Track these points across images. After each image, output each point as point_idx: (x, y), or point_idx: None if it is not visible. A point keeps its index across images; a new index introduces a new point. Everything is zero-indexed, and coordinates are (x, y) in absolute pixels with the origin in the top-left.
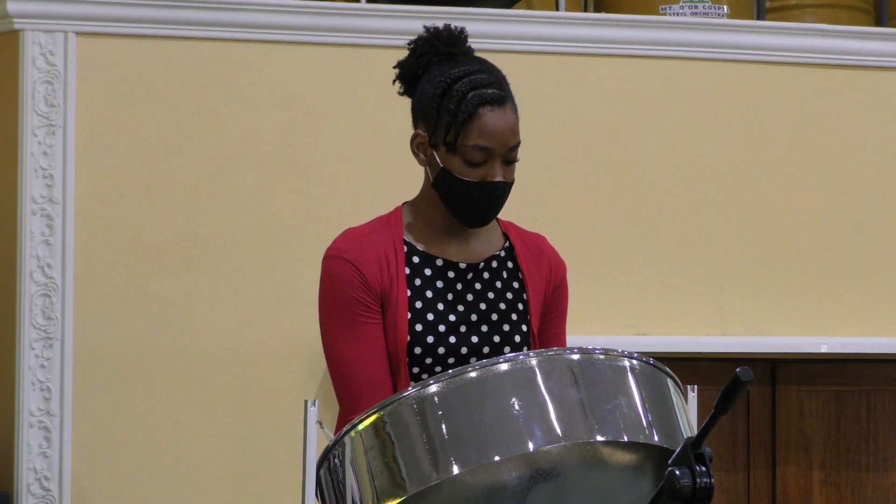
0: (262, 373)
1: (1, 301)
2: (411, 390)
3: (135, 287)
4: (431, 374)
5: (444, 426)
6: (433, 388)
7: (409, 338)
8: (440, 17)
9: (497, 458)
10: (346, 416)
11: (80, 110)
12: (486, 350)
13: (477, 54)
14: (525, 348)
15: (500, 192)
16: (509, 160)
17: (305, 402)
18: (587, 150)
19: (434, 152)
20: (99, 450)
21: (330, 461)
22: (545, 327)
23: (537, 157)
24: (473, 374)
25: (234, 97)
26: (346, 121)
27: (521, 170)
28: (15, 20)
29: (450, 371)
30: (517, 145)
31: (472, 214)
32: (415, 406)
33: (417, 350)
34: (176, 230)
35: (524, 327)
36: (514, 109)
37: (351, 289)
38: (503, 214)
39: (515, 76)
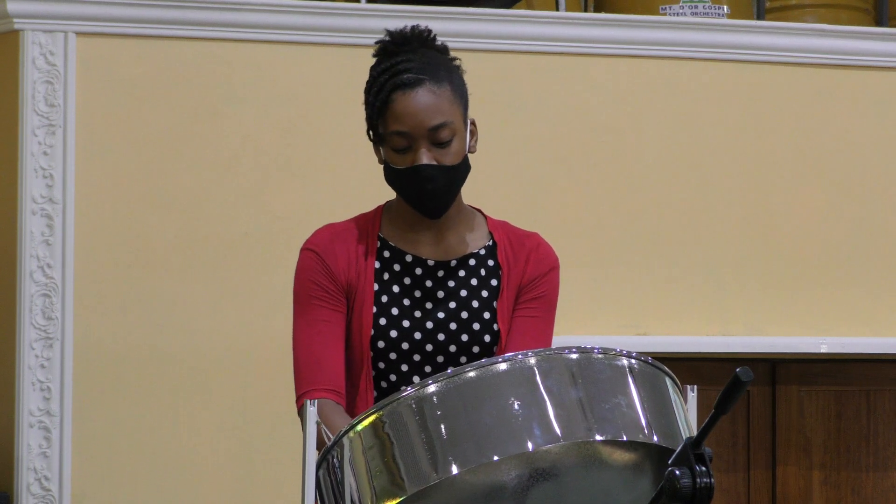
0: (262, 373)
1: (1, 301)
2: (410, 390)
3: (135, 287)
4: (397, 370)
5: (442, 426)
6: (432, 388)
7: (373, 331)
8: (440, 17)
9: (496, 457)
10: (296, 399)
11: (80, 110)
12: (452, 349)
13: (479, 54)
14: (495, 348)
15: (427, 174)
16: (437, 141)
17: (305, 401)
18: (587, 150)
19: (378, 147)
20: (99, 450)
21: (329, 462)
22: (513, 316)
23: (537, 157)
24: (472, 374)
25: (234, 97)
26: (346, 121)
27: (521, 170)
28: (15, 20)
29: (448, 371)
30: (441, 125)
31: (419, 202)
32: (413, 406)
33: (381, 344)
34: (176, 230)
35: (495, 326)
36: (434, 90)
37: (314, 275)
38: (504, 212)
39: (515, 76)
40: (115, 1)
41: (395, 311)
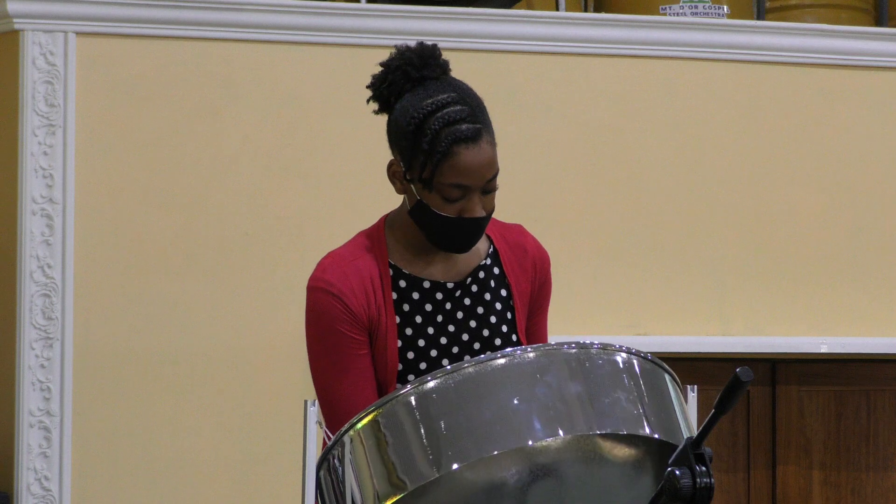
0: (262, 373)
1: (1, 301)
2: (409, 387)
3: (135, 287)
4: None
5: (442, 422)
6: (431, 385)
7: (400, 366)
8: (440, 17)
9: (495, 451)
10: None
11: (80, 110)
12: None
13: (479, 54)
14: None
15: (482, 226)
16: (488, 190)
17: (305, 402)
18: (587, 150)
19: (410, 185)
20: (99, 450)
21: (329, 461)
22: (528, 323)
23: (538, 157)
24: (471, 370)
25: (234, 97)
26: (347, 121)
27: (521, 170)
28: (15, 20)
29: (447, 367)
30: (495, 175)
31: (450, 245)
32: (413, 403)
33: (411, 377)
34: (176, 230)
35: (514, 336)
36: (490, 140)
37: (337, 323)
38: (503, 212)
39: (515, 76)
40: (115, 1)
41: (421, 342)
